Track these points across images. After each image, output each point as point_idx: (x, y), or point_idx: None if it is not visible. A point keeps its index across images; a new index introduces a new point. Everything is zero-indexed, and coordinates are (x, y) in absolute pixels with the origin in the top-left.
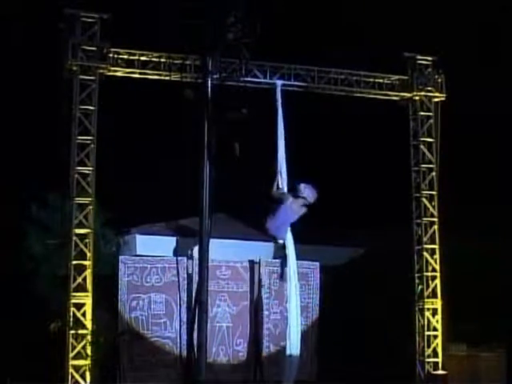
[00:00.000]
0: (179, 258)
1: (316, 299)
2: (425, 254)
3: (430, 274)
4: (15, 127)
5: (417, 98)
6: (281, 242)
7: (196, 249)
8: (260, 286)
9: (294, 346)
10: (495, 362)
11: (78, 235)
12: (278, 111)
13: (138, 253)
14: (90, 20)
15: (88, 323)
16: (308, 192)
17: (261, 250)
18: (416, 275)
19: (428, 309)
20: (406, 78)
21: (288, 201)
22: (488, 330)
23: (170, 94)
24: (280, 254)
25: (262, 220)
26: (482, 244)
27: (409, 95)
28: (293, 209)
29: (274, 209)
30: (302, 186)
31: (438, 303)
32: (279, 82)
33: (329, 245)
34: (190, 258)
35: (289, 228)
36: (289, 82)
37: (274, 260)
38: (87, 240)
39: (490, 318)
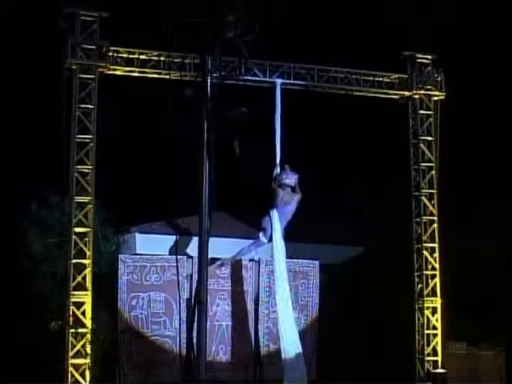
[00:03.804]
0: (179, 257)
1: (315, 298)
2: (424, 252)
3: (429, 272)
4: (15, 126)
5: (416, 96)
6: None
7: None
8: (259, 284)
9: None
10: (495, 360)
11: (77, 234)
12: (277, 110)
13: (137, 251)
14: (89, 19)
15: (88, 322)
16: (289, 175)
17: (260, 249)
18: (415, 274)
19: (427, 307)
20: (405, 76)
21: (279, 198)
22: (487, 328)
23: (170, 93)
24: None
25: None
26: (481, 242)
27: (408, 94)
28: (285, 201)
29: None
30: (283, 172)
31: (437, 302)
32: (279, 81)
33: (328, 243)
34: (190, 256)
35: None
36: (288, 81)
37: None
38: (87, 239)
39: (489, 316)
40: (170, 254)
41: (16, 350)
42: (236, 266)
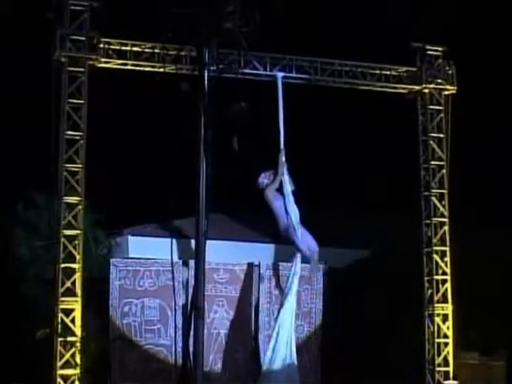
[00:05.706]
0: (174, 261)
1: (319, 304)
2: (435, 256)
3: (440, 277)
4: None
5: (426, 90)
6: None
7: None
8: (260, 290)
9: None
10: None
11: (66, 236)
12: (279, 105)
13: (130, 255)
14: (79, 8)
15: (77, 330)
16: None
17: (261, 252)
18: (425, 278)
19: (438, 314)
20: (414, 69)
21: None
22: (501, 337)
23: (165, 87)
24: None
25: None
26: (495, 245)
27: (418, 88)
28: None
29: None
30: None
31: (448, 308)
32: (280, 75)
33: (332, 246)
34: (186, 260)
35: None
36: (290, 75)
37: (275, 263)
38: (76, 242)
39: (504, 324)
40: (164, 258)
41: (1, 358)
42: (234, 271)
